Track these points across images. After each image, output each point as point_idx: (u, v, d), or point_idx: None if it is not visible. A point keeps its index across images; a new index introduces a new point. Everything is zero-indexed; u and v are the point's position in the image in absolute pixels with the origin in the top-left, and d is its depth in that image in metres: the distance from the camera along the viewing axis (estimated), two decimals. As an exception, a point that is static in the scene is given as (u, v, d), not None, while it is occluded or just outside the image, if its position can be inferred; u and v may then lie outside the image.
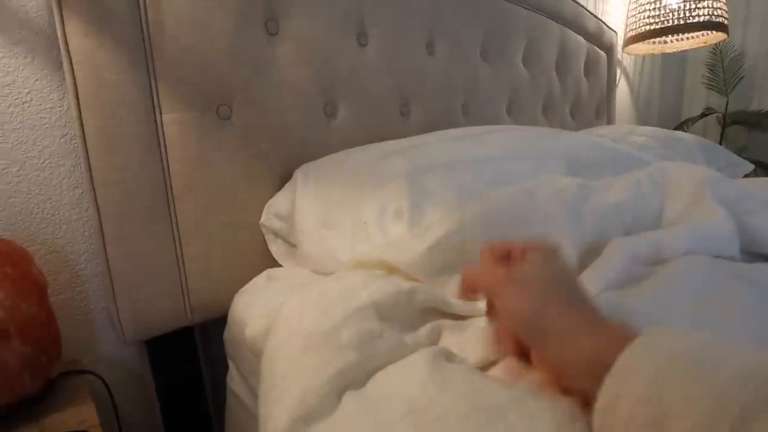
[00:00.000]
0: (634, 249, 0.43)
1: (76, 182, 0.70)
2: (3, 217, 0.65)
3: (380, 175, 0.61)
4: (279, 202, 0.74)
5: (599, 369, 0.25)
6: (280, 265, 0.75)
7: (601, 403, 0.24)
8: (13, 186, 0.66)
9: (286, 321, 0.40)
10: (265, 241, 0.76)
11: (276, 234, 0.76)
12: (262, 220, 0.75)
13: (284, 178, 0.78)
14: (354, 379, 0.34)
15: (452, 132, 0.78)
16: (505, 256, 0.37)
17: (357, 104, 0.89)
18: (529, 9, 1.30)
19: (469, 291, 0.38)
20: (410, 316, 0.40)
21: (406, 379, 0.32)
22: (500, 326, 0.36)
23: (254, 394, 0.59)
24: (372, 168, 0.64)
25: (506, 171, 0.59)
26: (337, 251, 0.58)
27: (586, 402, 0.27)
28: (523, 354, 0.34)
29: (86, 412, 0.58)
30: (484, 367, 0.35)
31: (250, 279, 0.72)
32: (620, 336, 0.27)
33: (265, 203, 0.76)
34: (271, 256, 0.76)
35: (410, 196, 0.53)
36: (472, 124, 1.13)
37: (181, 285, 0.69)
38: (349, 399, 0.32)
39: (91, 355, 0.74)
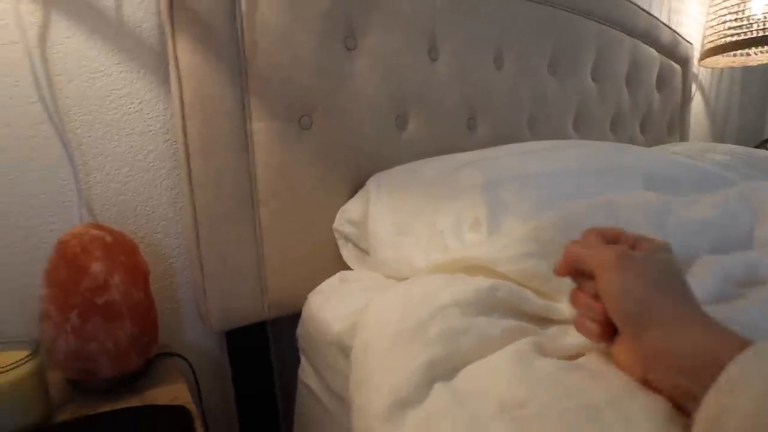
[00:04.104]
0: (727, 268, 0.42)
1: (173, 184, 0.78)
2: (114, 213, 0.74)
3: (454, 186, 0.64)
4: (351, 208, 0.79)
5: (706, 366, 0.25)
6: (350, 268, 0.79)
7: (704, 414, 0.24)
8: (123, 185, 0.74)
9: (374, 319, 0.44)
10: (336, 244, 0.81)
11: (347, 239, 0.80)
12: (335, 224, 0.80)
13: (356, 186, 0.83)
14: (442, 371, 0.37)
15: (524, 146, 0.80)
16: (612, 241, 0.37)
17: (426, 117, 0.92)
18: (599, 22, 1.29)
19: (567, 266, 0.36)
20: (492, 313, 0.42)
21: (495, 374, 0.34)
22: (586, 312, 0.36)
23: (327, 387, 0.63)
24: (446, 179, 0.67)
25: (582, 185, 0.60)
26: (412, 258, 0.61)
27: (671, 397, 0.28)
28: (606, 341, 0.35)
29: (178, 391, 0.64)
30: (570, 357, 0.37)
31: (323, 280, 0.76)
32: (734, 338, 0.26)
33: (338, 209, 0.81)
34: (342, 258, 0.80)
35: (487, 207, 0.56)
36: (538, 138, 1.13)
37: (261, 282, 0.75)
38: (439, 389, 0.35)
39: (178, 341, 0.81)
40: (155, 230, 0.77)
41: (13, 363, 0.53)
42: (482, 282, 0.44)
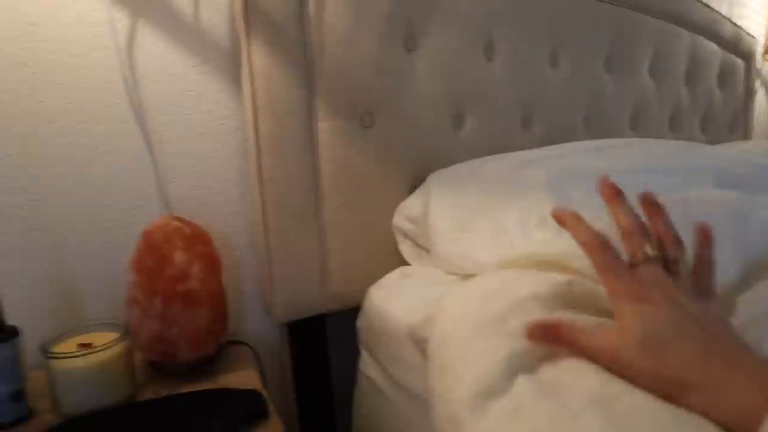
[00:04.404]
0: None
1: (241, 180, 0.82)
2: (190, 206, 0.78)
3: (519, 184, 0.64)
4: (410, 205, 0.80)
5: (747, 424, 0.25)
6: (408, 263, 0.81)
7: None
8: (197, 180, 0.79)
9: (453, 310, 0.45)
10: (394, 240, 0.83)
11: (405, 235, 0.82)
12: (394, 221, 0.82)
13: (415, 183, 0.84)
14: (524, 364, 0.37)
15: (586, 144, 0.79)
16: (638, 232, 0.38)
17: (481, 116, 0.93)
18: (657, 17, 1.26)
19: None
20: (570, 308, 0.43)
21: (582, 368, 0.35)
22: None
23: (390, 378, 0.65)
24: (509, 177, 0.68)
25: (652, 182, 0.59)
26: (476, 253, 0.62)
27: None
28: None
29: (249, 377, 0.67)
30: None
31: (381, 275, 0.78)
32: None
33: (397, 205, 0.83)
34: (399, 254, 0.82)
35: (555, 205, 0.56)
36: (593, 137, 1.12)
37: (323, 275, 0.78)
38: (523, 380, 0.36)
39: (241, 330, 0.85)
40: (224, 224, 0.81)
41: (106, 343, 0.58)
42: (559, 277, 0.44)
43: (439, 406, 0.41)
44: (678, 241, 0.39)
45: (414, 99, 0.84)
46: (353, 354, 0.77)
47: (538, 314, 0.40)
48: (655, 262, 0.37)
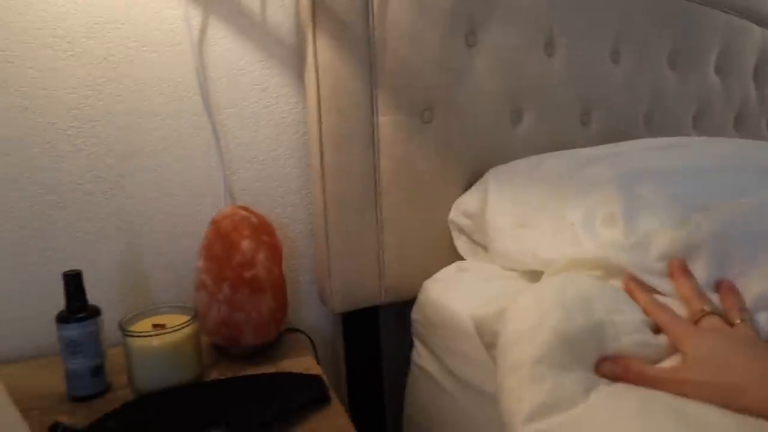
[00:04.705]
0: None
1: (301, 173, 0.84)
2: (251, 197, 0.81)
3: (583, 181, 0.63)
4: (467, 201, 0.80)
5: None
6: (463, 259, 0.81)
7: None
8: (259, 172, 0.81)
9: (528, 313, 0.45)
10: (449, 235, 0.83)
11: (461, 230, 0.82)
12: (451, 216, 0.82)
13: (472, 179, 0.84)
14: (597, 384, 0.38)
15: (651, 141, 0.77)
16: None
17: (540, 112, 0.92)
18: (726, 12, 1.20)
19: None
20: (642, 320, 0.43)
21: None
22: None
23: (446, 369, 0.65)
24: (573, 173, 0.66)
25: (727, 183, 0.57)
26: (537, 249, 0.61)
27: None
28: None
29: (308, 363, 0.69)
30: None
31: (436, 269, 0.79)
32: None
33: (453, 201, 0.83)
34: (454, 249, 0.82)
35: (623, 203, 0.55)
36: (654, 135, 1.08)
37: (379, 268, 0.79)
38: (602, 392, 0.37)
39: (297, 320, 0.87)
40: (284, 215, 0.84)
41: (178, 325, 0.61)
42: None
43: (508, 403, 0.42)
44: (744, 310, 0.42)
45: (473, 95, 0.83)
46: (402, 345, 0.78)
47: (611, 346, 0.41)
48: (714, 316, 0.41)
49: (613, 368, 0.41)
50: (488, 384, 0.57)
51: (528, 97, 0.90)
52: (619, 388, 0.39)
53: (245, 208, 0.70)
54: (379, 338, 0.87)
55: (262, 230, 0.69)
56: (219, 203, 0.78)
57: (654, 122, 1.09)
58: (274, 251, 0.69)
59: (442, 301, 0.68)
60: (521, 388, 0.40)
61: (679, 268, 0.46)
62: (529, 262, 0.64)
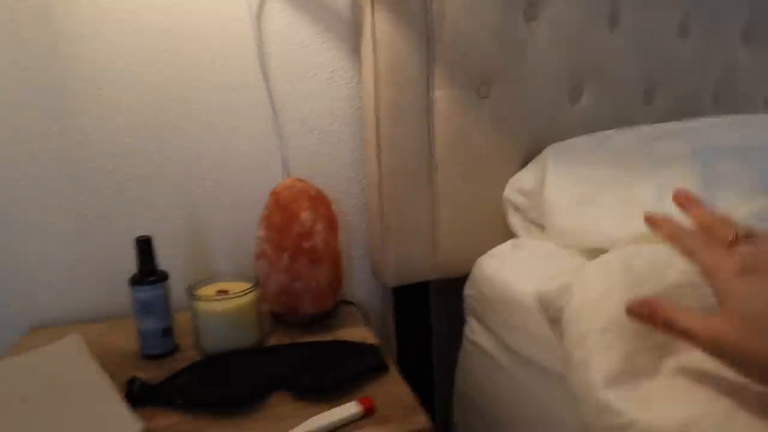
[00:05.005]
0: None
1: (355, 147, 0.85)
2: (306, 170, 0.82)
3: (653, 157, 0.61)
4: (523, 178, 0.79)
5: None
6: (517, 236, 0.80)
7: None
8: (314, 146, 0.82)
9: (596, 284, 0.44)
10: (503, 212, 0.82)
11: (516, 208, 0.81)
12: (505, 194, 0.81)
13: (528, 156, 0.82)
14: (673, 348, 0.37)
15: (722, 119, 0.73)
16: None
17: (601, 89, 0.88)
18: (809, -19, 1.11)
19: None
20: None
21: None
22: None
23: (503, 344, 0.65)
24: (642, 149, 0.64)
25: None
26: (601, 227, 0.60)
27: None
28: None
29: (363, 333, 0.70)
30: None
31: (488, 245, 0.78)
32: None
33: (508, 178, 0.81)
34: (507, 227, 0.81)
35: (699, 180, 0.53)
36: (723, 113, 1.02)
37: (433, 243, 0.79)
38: (672, 364, 0.36)
39: (348, 292, 0.89)
40: (338, 189, 0.85)
41: (241, 291, 0.63)
42: None
43: (578, 373, 0.41)
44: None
45: (531, 70, 0.81)
46: (452, 320, 0.78)
47: (692, 302, 0.39)
48: (750, 239, 0.33)
49: (640, 309, 0.36)
50: (549, 360, 0.56)
51: (588, 73, 0.87)
52: (696, 357, 0.37)
53: (303, 181, 0.72)
54: (430, 313, 0.88)
55: (320, 202, 0.70)
56: (276, 176, 0.80)
57: (723, 100, 1.03)
58: (331, 223, 0.70)
59: (499, 278, 0.67)
60: (591, 357, 0.40)
61: (687, 197, 0.40)
62: (590, 240, 0.62)
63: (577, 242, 0.65)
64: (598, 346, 0.40)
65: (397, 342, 0.86)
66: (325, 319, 0.73)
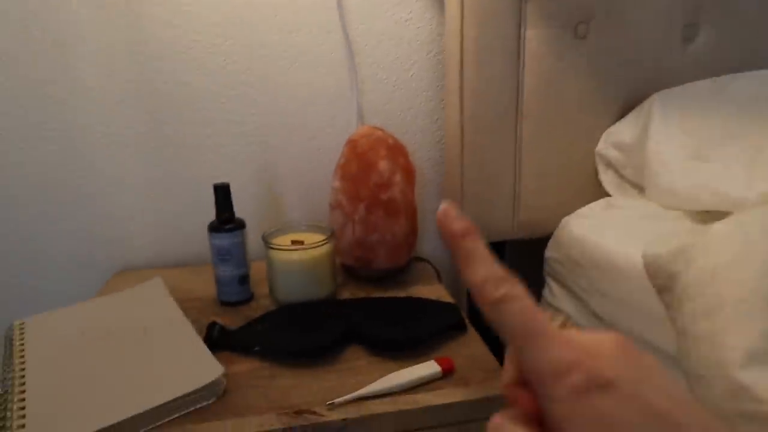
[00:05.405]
0: None
1: (431, 96, 0.79)
2: (381, 119, 0.78)
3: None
4: (621, 130, 0.71)
5: None
6: (608, 195, 0.73)
7: None
8: (389, 94, 0.78)
9: (726, 242, 0.38)
10: (593, 168, 0.75)
11: (609, 164, 0.73)
12: (598, 148, 0.73)
13: (627, 106, 0.73)
14: None
15: None
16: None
17: (722, 26, 0.76)
18: None
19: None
20: None
21: None
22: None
23: (589, 310, 0.60)
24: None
25: None
26: (724, 187, 0.52)
27: None
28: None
29: (438, 291, 0.67)
30: None
31: (575, 204, 0.72)
32: None
33: (602, 131, 0.73)
34: (598, 185, 0.74)
35: None
36: None
37: (513, 200, 0.73)
38: None
39: (419, 248, 0.86)
40: (412, 140, 0.80)
41: (319, 242, 0.61)
42: None
43: (704, 349, 0.36)
44: None
45: (639, 6, 0.71)
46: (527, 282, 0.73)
47: None
48: None
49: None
50: (647, 332, 0.51)
51: (707, 7, 0.75)
52: None
53: (380, 129, 0.68)
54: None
55: (398, 152, 0.66)
56: (351, 123, 0.76)
57: None
58: (409, 174, 0.66)
59: (591, 240, 0.61)
60: (725, 332, 0.34)
61: (458, 224, 0.20)
62: (705, 200, 0.55)
63: (688, 203, 0.58)
64: (733, 318, 0.34)
65: (468, 302, 0.83)
66: (398, 274, 0.70)
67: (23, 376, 0.47)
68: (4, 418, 0.42)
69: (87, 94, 0.71)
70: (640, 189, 0.71)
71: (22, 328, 0.56)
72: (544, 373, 0.17)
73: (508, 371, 0.20)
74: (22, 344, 0.53)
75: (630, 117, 0.71)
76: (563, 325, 0.30)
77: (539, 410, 0.18)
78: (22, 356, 0.51)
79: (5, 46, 0.68)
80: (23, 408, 0.43)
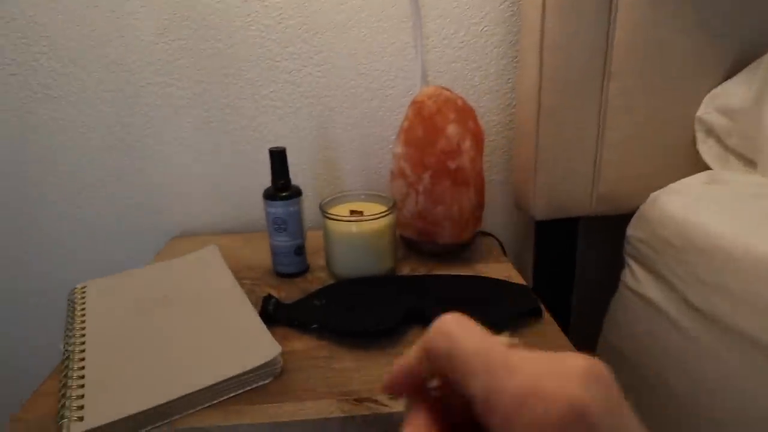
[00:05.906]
0: None
1: (503, 53, 0.71)
2: (446, 80, 0.71)
3: None
4: (729, 92, 0.61)
5: None
6: (708, 167, 0.63)
7: None
8: (456, 51, 0.70)
9: None
10: (690, 136, 0.65)
11: (710, 131, 0.63)
12: (699, 113, 0.64)
13: (735, 65, 0.63)
14: None
15: None
16: None
17: None
18: None
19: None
20: None
21: None
22: None
23: (683, 299, 0.53)
24: None
25: None
26: None
27: None
28: None
29: (507, 271, 0.62)
30: None
31: (667, 178, 0.63)
32: None
33: (704, 93, 0.63)
34: (694, 156, 0.65)
35: None
36: None
37: (594, 171, 0.66)
38: None
39: (484, 222, 0.79)
40: (480, 103, 0.73)
41: (377, 213, 0.57)
42: None
43: None
44: None
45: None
46: (600, 262, 0.66)
47: None
48: None
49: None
50: (760, 330, 0.44)
51: None
52: None
53: (448, 89, 0.61)
54: (575, 253, 0.76)
55: (467, 115, 0.59)
56: (414, 84, 0.70)
57: None
58: (479, 140, 0.60)
59: (691, 219, 0.53)
60: None
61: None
62: None
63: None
64: None
65: (534, 281, 0.77)
66: (463, 250, 0.65)
67: (83, 342, 0.47)
68: (65, 386, 0.42)
69: (143, 55, 0.68)
70: (746, 161, 0.61)
71: (84, 292, 0.56)
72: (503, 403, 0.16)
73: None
74: (83, 308, 0.53)
75: (741, 77, 0.61)
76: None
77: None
78: (83, 321, 0.50)
79: (66, 5, 0.66)
80: (82, 377, 0.42)
